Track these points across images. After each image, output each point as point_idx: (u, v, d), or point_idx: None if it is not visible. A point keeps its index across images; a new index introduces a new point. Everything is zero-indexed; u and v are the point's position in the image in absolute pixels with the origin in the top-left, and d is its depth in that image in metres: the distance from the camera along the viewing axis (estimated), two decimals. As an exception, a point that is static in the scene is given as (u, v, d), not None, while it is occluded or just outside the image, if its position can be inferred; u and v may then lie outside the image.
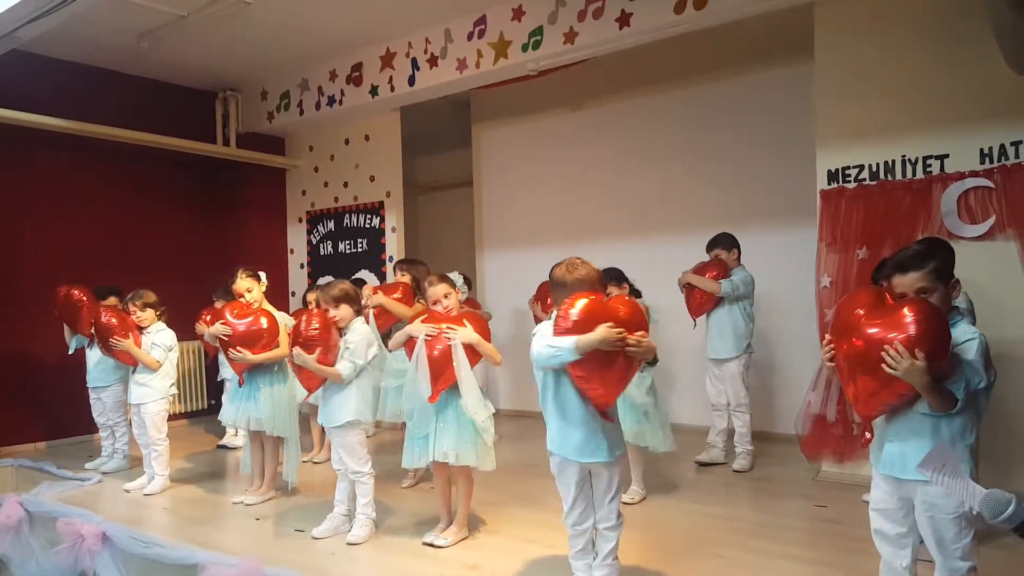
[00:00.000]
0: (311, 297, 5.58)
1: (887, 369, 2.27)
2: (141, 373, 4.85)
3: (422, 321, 3.66)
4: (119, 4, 5.38)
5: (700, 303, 5.03)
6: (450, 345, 3.48)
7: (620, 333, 2.64)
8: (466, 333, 3.49)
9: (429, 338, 3.56)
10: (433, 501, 3.94)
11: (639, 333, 2.71)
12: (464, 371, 3.47)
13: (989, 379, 2.28)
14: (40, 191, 6.46)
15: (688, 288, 5.05)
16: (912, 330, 2.27)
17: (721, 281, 4.88)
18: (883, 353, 2.28)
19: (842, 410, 4.53)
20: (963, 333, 2.34)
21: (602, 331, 2.62)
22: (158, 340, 4.86)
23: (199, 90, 7.58)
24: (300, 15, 5.91)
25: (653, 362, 2.87)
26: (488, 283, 7.79)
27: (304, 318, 3.84)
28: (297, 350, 3.74)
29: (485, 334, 3.58)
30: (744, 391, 4.99)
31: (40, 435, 6.36)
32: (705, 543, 3.61)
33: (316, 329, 3.77)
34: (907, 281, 2.40)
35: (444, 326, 3.54)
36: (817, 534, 3.77)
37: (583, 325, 2.66)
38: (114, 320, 4.85)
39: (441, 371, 3.51)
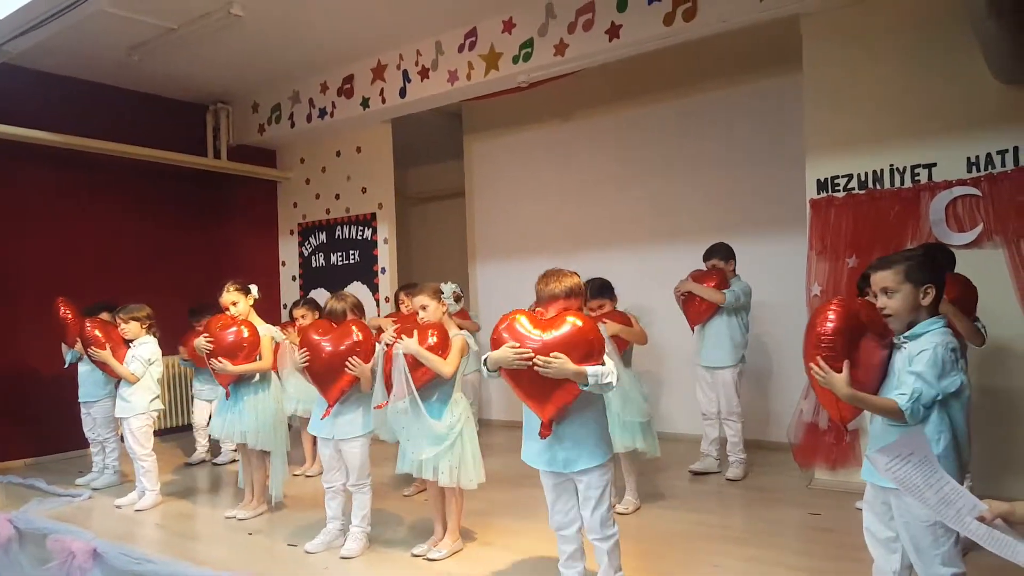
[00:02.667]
0: (298, 313, 5.51)
1: (819, 381, 2.40)
2: (123, 387, 4.85)
3: (395, 330, 3.70)
4: (109, 17, 5.36)
5: (699, 312, 5.01)
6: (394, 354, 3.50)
7: (519, 354, 2.71)
8: (407, 343, 3.48)
9: (387, 347, 3.60)
10: (426, 514, 3.92)
11: (553, 354, 2.67)
12: (399, 381, 3.44)
13: (944, 389, 2.28)
14: (30, 205, 6.43)
15: (687, 297, 5.02)
16: (820, 327, 2.45)
17: (726, 291, 4.89)
18: (811, 365, 2.42)
19: (834, 418, 4.54)
20: (922, 343, 2.35)
21: (500, 351, 2.76)
22: (137, 353, 4.84)
23: (190, 103, 7.58)
24: (291, 28, 5.92)
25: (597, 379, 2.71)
26: (480, 294, 7.79)
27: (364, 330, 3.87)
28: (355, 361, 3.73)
29: (442, 347, 3.54)
30: (736, 399, 5.00)
31: (30, 451, 6.31)
32: (699, 552, 3.62)
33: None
34: (876, 279, 2.47)
35: (395, 335, 3.57)
36: (811, 542, 3.78)
37: (497, 343, 2.81)
38: (97, 332, 4.85)
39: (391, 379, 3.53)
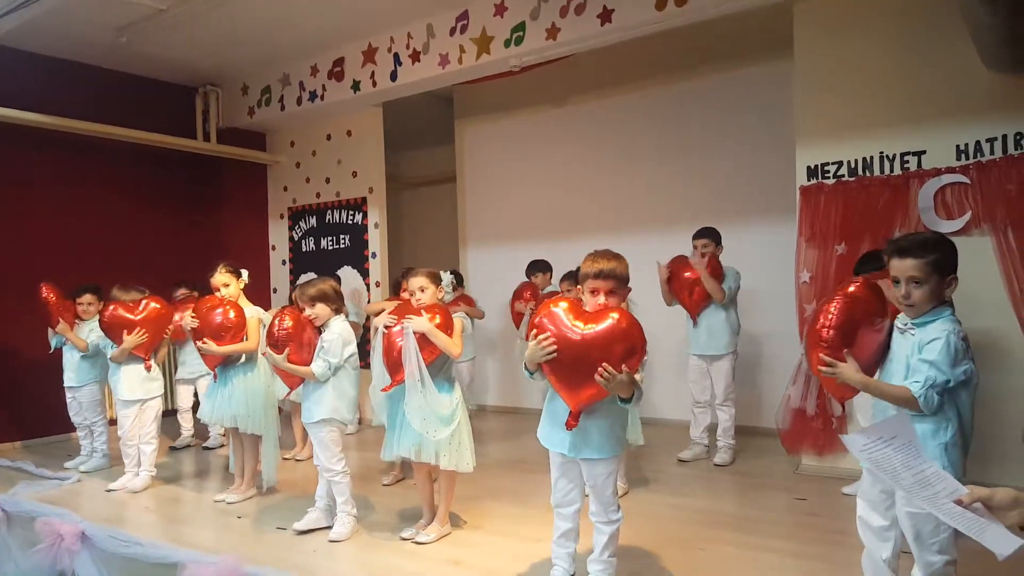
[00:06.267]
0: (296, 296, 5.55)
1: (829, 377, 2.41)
2: (143, 369, 4.83)
3: (390, 312, 3.70)
4: (96, -2, 5.32)
5: (696, 302, 4.97)
6: (403, 334, 3.50)
7: (544, 351, 2.66)
8: (419, 322, 3.49)
9: (388, 329, 3.61)
10: (415, 497, 3.94)
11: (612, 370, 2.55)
12: (411, 360, 3.45)
13: (956, 377, 2.27)
14: (15, 187, 6.37)
15: (680, 282, 4.96)
16: (820, 326, 2.49)
17: (724, 287, 4.87)
18: (818, 365, 2.41)
19: (821, 404, 4.57)
20: (933, 331, 2.34)
21: (528, 349, 2.72)
22: None
23: (179, 85, 7.51)
24: (281, 9, 5.86)
25: (627, 399, 2.67)
26: (472, 279, 7.77)
27: (277, 318, 3.84)
28: (268, 351, 3.73)
29: (447, 326, 3.56)
30: (732, 385, 5.02)
31: (18, 434, 6.29)
32: (686, 537, 3.64)
33: (286, 328, 3.76)
34: (903, 267, 2.39)
35: (404, 317, 3.56)
36: (797, 527, 3.81)
37: (537, 329, 2.75)
38: (126, 313, 4.73)
39: (398, 362, 3.52)
